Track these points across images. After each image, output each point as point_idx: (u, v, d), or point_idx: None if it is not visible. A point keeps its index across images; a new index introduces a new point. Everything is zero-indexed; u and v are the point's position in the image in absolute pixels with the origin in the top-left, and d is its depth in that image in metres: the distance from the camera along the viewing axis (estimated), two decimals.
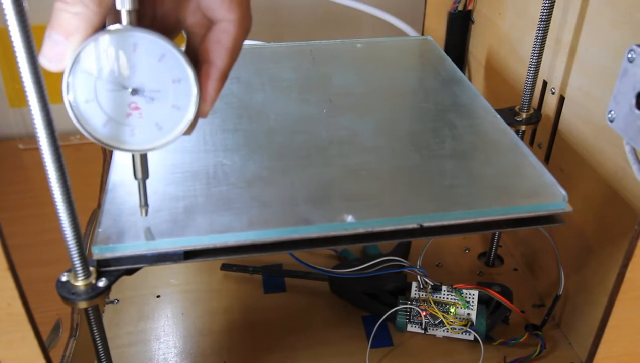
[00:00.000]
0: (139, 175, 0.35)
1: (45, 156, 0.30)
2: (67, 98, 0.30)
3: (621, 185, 0.48)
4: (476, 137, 0.48)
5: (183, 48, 0.32)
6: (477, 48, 0.73)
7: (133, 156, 0.34)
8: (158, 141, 0.32)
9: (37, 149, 0.30)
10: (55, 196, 0.31)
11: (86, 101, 0.31)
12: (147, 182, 0.41)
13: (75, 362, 0.50)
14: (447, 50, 0.74)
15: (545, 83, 0.58)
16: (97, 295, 0.35)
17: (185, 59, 0.31)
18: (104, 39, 0.30)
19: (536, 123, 0.56)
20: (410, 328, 0.57)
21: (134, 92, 0.31)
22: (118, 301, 0.60)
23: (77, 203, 0.32)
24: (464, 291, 0.56)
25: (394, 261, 0.57)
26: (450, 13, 0.73)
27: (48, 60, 0.30)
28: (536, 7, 0.52)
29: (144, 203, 0.37)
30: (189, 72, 0.31)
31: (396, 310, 0.56)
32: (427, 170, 0.44)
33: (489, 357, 0.55)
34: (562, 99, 0.56)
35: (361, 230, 0.38)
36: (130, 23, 0.30)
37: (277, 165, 0.44)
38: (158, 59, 0.30)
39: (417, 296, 0.57)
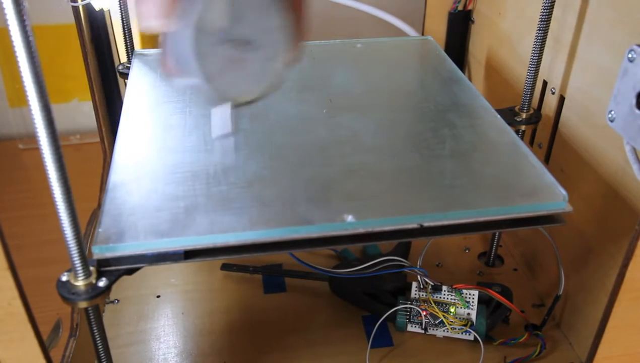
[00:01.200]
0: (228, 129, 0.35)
1: (46, 156, 0.30)
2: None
3: (621, 185, 0.48)
4: (476, 137, 0.48)
5: None
6: (477, 48, 0.73)
7: (223, 111, 0.34)
8: (257, 91, 0.32)
9: (37, 149, 0.30)
10: (55, 196, 0.31)
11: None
12: (147, 182, 0.42)
13: (75, 362, 0.50)
14: (447, 50, 0.74)
15: (545, 83, 0.58)
16: (97, 295, 0.35)
17: (279, 5, 0.30)
18: None
19: (536, 123, 0.56)
20: (410, 328, 0.57)
21: (237, 43, 0.30)
22: (118, 301, 0.60)
23: (77, 203, 0.32)
24: (464, 291, 0.56)
25: (394, 261, 0.57)
26: (450, 13, 0.73)
27: (151, 18, 0.29)
28: (536, 7, 0.52)
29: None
30: (283, 19, 0.31)
31: (396, 310, 0.56)
32: (427, 170, 0.44)
33: (489, 357, 0.55)
34: (562, 99, 0.56)
35: (361, 230, 0.38)
36: None
37: (277, 165, 0.44)
38: (257, 10, 0.30)
39: (417, 296, 0.57)
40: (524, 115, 0.56)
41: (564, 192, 0.41)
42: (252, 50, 0.31)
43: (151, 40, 0.90)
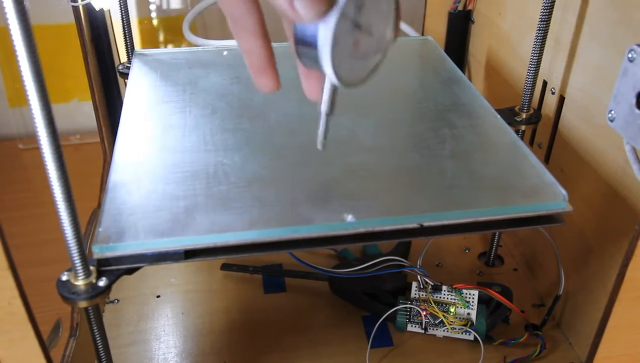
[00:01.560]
0: (329, 110, 0.35)
1: (46, 156, 0.30)
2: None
3: (621, 185, 0.48)
4: (476, 137, 0.48)
5: None
6: (477, 48, 0.73)
7: (331, 91, 0.34)
8: (365, 73, 0.33)
9: (37, 149, 0.30)
10: (55, 196, 0.31)
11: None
12: (147, 181, 0.42)
13: (75, 361, 0.50)
14: (447, 50, 0.74)
15: (545, 83, 0.58)
16: (98, 295, 0.35)
17: None
18: None
19: (536, 123, 0.56)
20: (410, 328, 0.57)
21: (360, 27, 0.31)
22: (118, 301, 0.60)
23: (77, 203, 0.32)
24: (464, 291, 0.56)
25: (394, 261, 0.57)
26: (450, 13, 0.73)
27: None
28: (536, 7, 0.52)
29: (325, 138, 0.36)
30: (392, 3, 0.32)
31: (396, 310, 0.56)
32: (427, 170, 0.44)
33: (489, 357, 0.55)
34: (562, 99, 0.56)
35: (361, 230, 0.38)
36: None
37: (278, 165, 0.44)
38: None
39: (417, 296, 0.57)
40: (524, 115, 0.56)
41: (564, 192, 0.41)
42: (367, 34, 0.32)
43: (151, 40, 0.90)
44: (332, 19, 0.30)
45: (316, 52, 0.31)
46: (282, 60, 0.64)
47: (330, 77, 0.32)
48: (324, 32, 0.30)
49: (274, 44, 0.35)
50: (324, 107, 0.35)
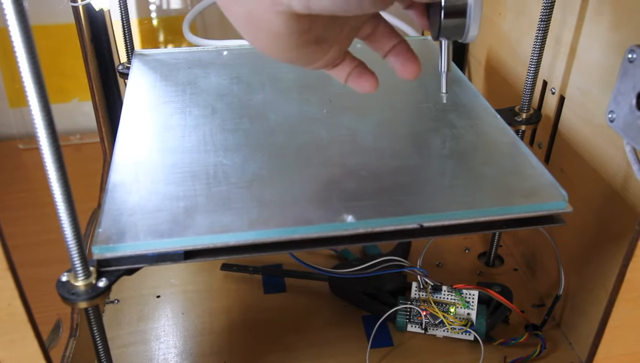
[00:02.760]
0: (447, 68, 0.41)
1: (45, 156, 0.30)
2: None
3: (621, 185, 0.48)
4: (476, 137, 0.48)
5: None
6: (477, 48, 0.73)
7: (447, 49, 0.40)
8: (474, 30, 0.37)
9: (37, 149, 0.30)
10: (55, 196, 0.31)
11: None
12: (147, 182, 0.42)
13: (75, 362, 0.50)
14: None
15: (545, 83, 0.58)
16: (97, 295, 0.35)
17: None
18: None
19: (536, 123, 0.56)
20: (410, 328, 0.57)
21: None
22: (118, 301, 0.60)
23: (77, 203, 0.32)
24: (464, 291, 0.56)
25: (394, 261, 0.57)
26: None
27: None
28: (536, 7, 0.52)
29: (446, 91, 0.42)
30: None
31: (396, 310, 0.56)
32: (427, 170, 0.44)
33: (489, 357, 0.55)
34: (562, 99, 0.56)
35: (361, 230, 0.38)
36: None
37: (277, 165, 0.44)
38: None
39: (417, 296, 0.57)
40: (524, 115, 0.55)
41: (564, 192, 0.41)
42: None
43: (151, 40, 0.90)
44: None
45: (464, 20, 0.36)
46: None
47: (473, 37, 0.37)
48: (476, 8, 0.35)
49: None
50: (443, 67, 0.41)
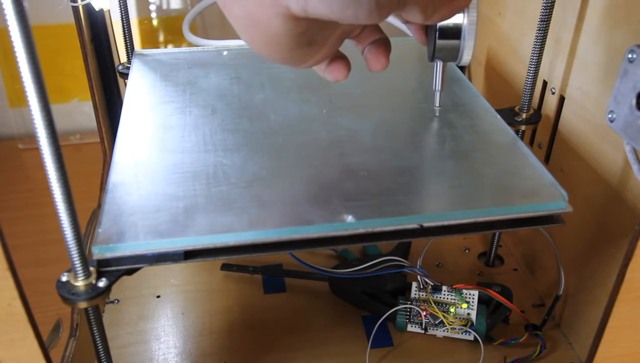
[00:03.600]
0: (442, 87, 0.45)
1: (45, 156, 0.30)
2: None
3: (621, 185, 0.48)
4: (476, 137, 0.48)
5: None
6: (477, 48, 0.73)
7: (442, 70, 0.43)
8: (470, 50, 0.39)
9: (37, 149, 0.30)
10: (55, 196, 0.31)
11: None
12: (147, 182, 0.42)
13: (75, 362, 0.50)
14: None
15: (545, 83, 0.58)
16: (97, 295, 0.35)
17: None
18: None
19: (536, 123, 0.56)
20: (410, 328, 0.57)
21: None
22: (118, 301, 0.60)
23: (77, 203, 0.32)
24: (464, 291, 0.56)
25: (394, 261, 0.57)
26: None
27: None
28: (536, 7, 0.52)
29: (439, 106, 0.47)
30: None
31: (396, 310, 0.56)
32: (427, 170, 0.44)
33: (489, 357, 0.55)
34: (562, 99, 0.56)
35: (361, 230, 0.38)
36: None
37: (277, 165, 0.44)
38: None
39: (417, 296, 0.57)
40: (524, 115, 0.55)
41: (564, 192, 0.41)
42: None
43: (151, 40, 0.90)
44: (473, 12, 0.36)
45: (458, 43, 0.38)
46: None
47: (467, 61, 0.39)
48: (470, 25, 0.37)
49: None
50: (437, 86, 0.45)
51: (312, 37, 0.33)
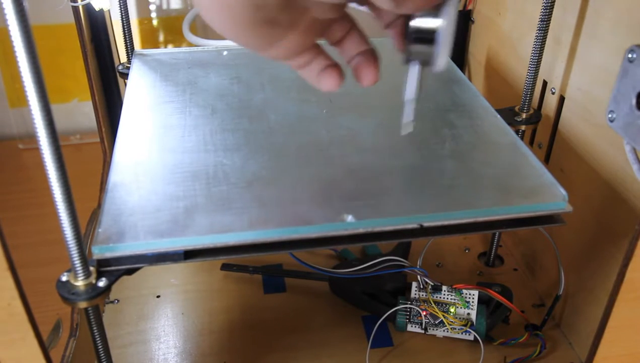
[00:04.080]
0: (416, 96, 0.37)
1: (45, 156, 0.30)
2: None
3: (621, 185, 0.48)
4: (476, 137, 0.48)
5: None
6: (477, 48, 0.73)
7: (417, 74, 0.37)
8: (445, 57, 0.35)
9: (37, 149, 0.30)
10: (55, 196, 0.31)
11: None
12: (147, 182, 0.42)
13: (75, 362, 0.50)
14: None
15: (545, 83, 0.58)
16: (97, 295, 0.35)
17: None
18: None
19: (536, 123, 0.56)
20: (410, 328, 0.57)
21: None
22: (118, 301, 0.60)
23: (77, 203, 0.32)
24: (464, 291, 0.56)
25: (394, 261, 0.57)
26: None
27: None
28: (536, 7, 0.52)
29: (411, 121, 0.38)
30: None
31: (396, 310, 0.56)
32: (427, 170, 0.44)
33: (489, 357, 0.55)
34: (562, 99, 0.56)
35: (361, 230, 0.38)
36: None
37: (277, 165, 0.44)
38: None
39: (417, 296, 0.57)
40: (524, 115, 0.55)
41: (563, 192, 0.41)
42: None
43: (151, 40, 0.90)
44: (451, 13, 0.33)
45: (432, 47, 0.34)
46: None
47: (441, 66, 0.35)
48: (445, 27, 0.33)
49: None
50: (410, 94, 0.38)
51: (272, 16, 0.31)
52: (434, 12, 0.33)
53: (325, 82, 0.36)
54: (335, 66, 0.36)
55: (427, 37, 0.34)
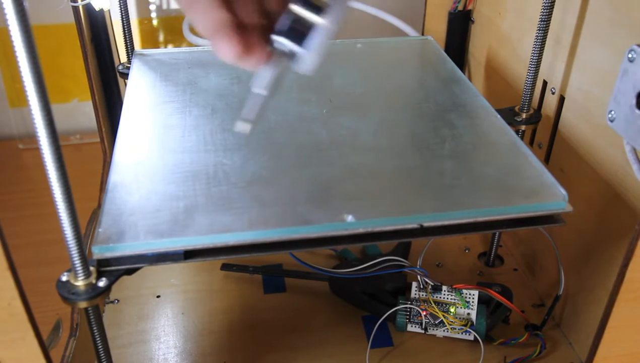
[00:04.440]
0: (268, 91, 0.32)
1: (46, 156, 0.30)
2: None
3: (621, 185, 0.48)
4: (476, 137, 0.48)
5: None
6: (477, 48, 0.73)
7: (276, 68, 0.33)
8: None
9: (37, 149, 0.30)
10: (55, 196, 0.31)
11: None
12: (147, 182, 0.42)
13: (75, 362, 0.50)
14: (447, 50, 0.74)
15: (545, 83, 0.58)
16: (97, 295, 0.35)
17: None
18: None
19: (536, 123, 0.56)
20: (410, 328, 0.57)
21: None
22: (118, 301, 0.60)
23: (77, 203, 0.32)
24: (464, 291, 0.56)
25: (394, 261, 0.57)
26: (450, 13, 0.73)
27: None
28: (536, 7, 0.52)
29: (253, 119, 0.33)
30: None
31: (396, 310, 0.56)
32: (427, 170, 0.44)
33: (489, 357, 0.55)
34: (562, 99, 0.56)
35: (361, 230, 0.38)
36: None
37: (277, 165, 0.44)
38: None
39: (417, 296, 0.57)
40: (524, 115, 0.55)
41: (563, 192, 0.41)
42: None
43: (151, 40, 0.90)
44: (336, 19, 0.30)
45: (302, 42, 0.30)
46: None
47: (307, 69, 0.31)
48: (324, 30, 0.30)
49: None
50: (260, 87, 0.32)
51: None
52: (322, 10, 0.30)
53: (220, 50, 0.31)
54: (240, 39, 0.31)
55: (301, 29, 0.30)
